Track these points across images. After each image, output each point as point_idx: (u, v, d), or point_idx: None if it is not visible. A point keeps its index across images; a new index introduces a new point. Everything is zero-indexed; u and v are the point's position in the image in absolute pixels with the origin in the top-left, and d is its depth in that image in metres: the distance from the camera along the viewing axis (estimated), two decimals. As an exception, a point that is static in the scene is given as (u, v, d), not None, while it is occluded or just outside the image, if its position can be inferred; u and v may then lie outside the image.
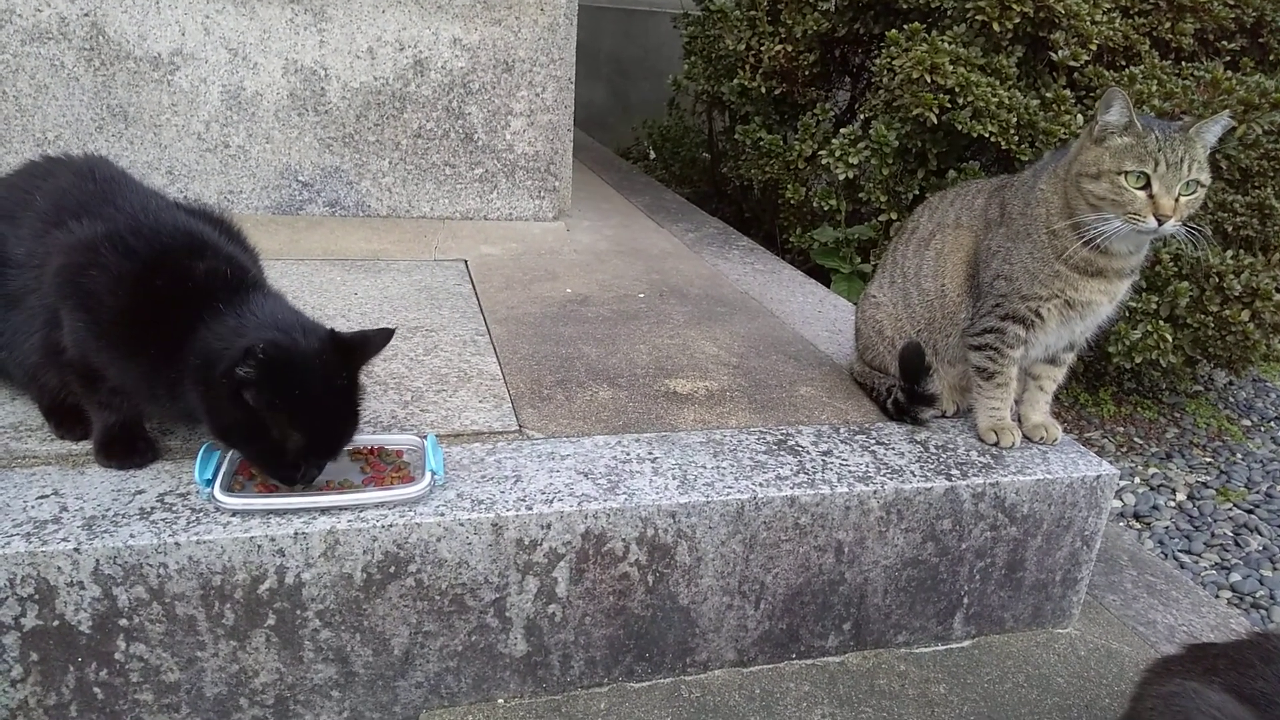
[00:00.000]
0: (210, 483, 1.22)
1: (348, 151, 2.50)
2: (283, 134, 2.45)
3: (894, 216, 2.74)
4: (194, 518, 1.20)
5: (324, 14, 2.38)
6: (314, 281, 2.11)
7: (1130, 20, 2.78)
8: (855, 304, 1.97)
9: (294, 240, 2.38)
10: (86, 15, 2.24)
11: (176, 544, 1.16)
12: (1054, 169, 1.47)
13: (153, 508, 1.22)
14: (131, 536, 1.16)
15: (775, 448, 1.52)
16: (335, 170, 2.51)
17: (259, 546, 1.19)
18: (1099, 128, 1.37)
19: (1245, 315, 2.51)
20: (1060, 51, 2.60)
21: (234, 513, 1.21)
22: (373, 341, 1.26)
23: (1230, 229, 2.69)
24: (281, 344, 1.15)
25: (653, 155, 4.75)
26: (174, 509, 1.22)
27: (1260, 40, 2.96)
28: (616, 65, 6.25)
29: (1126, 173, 1.33)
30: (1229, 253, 2.57)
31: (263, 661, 1.24)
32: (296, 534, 1.20)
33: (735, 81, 3.32)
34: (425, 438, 1.36)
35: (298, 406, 1.16)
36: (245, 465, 1.30)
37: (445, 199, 2.62)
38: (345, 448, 1.26)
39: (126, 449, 1.31)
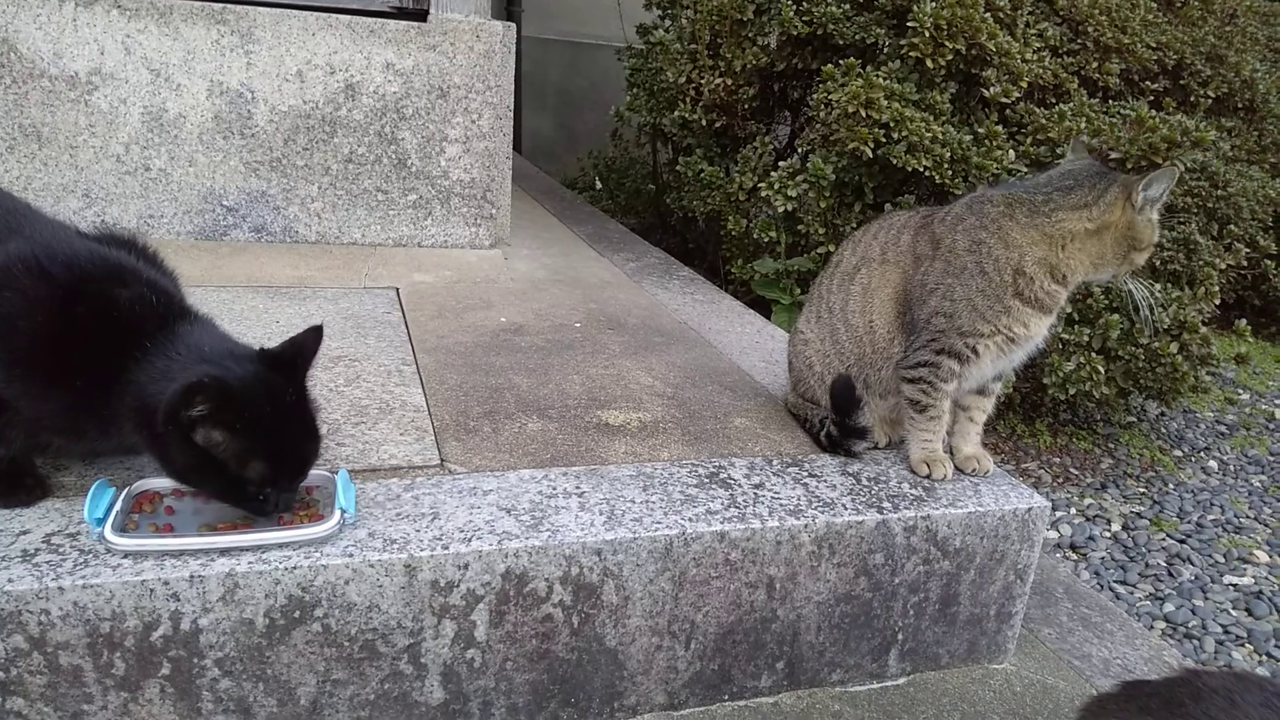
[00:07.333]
0: (101, 522, 1.14)
1: (275, 176, 2.43)
2: (207, 157, 2.37)
3: (832, 249, 2.74)
4: (81, 560, 1.12)
5: (251, 35, 2.32)
6: (234, 309, 2.03)
7: (1059, 59, 2.85)
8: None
9: (216, 266, 2.29)
10: (-2, 31, 2.16)
11: (60, 588, 1.08)
12: (1039, 222, 1.42)
13: (37, 549, 1.13)
14: (9, 581, 1.07)
15: (707, 481, 1.49)
16: (261, 195, 2.44)
17: (151, 590, 1.11)
18: (1144, 201, 1.39)
19: (1174, 347, 2.56)
20: (992, 88, 2.65)
21: (125, 554, 1.13)
22: (306, 345, 1.20)
23: (1158, 263, 2.75)
24: (217, 375, 1.09)
25: (599, 185, 4.74)
26: (60, 550, 1.13)
27: (1181, 82, 3.06)
28: (563, 96, 6.25)
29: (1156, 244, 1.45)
30: (1157, 286, 2.62)
31: (157, 714, 1.16)
32: (192, 577, 1.12)
33: (676, 114, 3.32)
34: (336, 473, 1.29)
35: (252, 435, 1.11)
36: (140, 502, 1.23)
37: (377, 225, 2.56)
38: (312, 466, 1.21)
39: (11, 486, 1.22)
